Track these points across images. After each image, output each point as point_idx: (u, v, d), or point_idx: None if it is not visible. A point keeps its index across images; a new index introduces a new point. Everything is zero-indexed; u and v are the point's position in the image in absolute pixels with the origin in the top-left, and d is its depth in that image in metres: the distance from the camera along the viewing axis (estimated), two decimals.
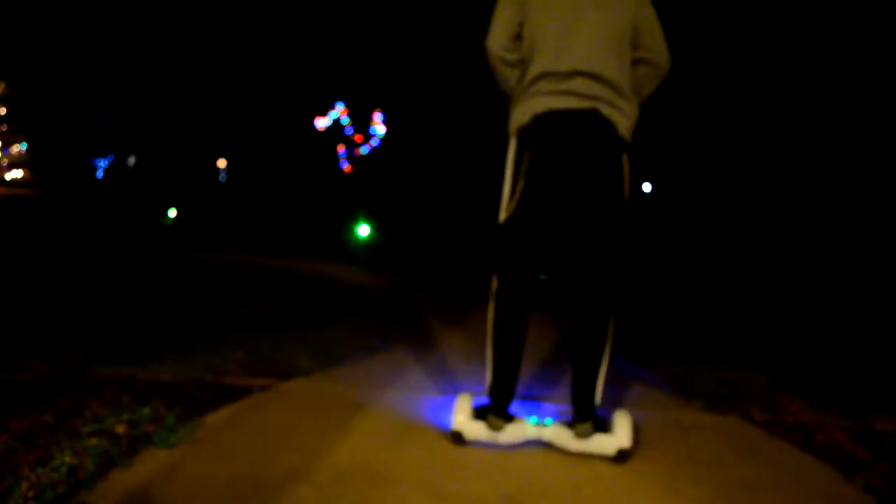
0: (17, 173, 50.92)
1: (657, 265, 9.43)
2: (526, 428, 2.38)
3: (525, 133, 2.29)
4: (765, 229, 14.53)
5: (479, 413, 2.38)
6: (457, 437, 2.36)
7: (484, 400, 2.45)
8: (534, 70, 2.27)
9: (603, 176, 2.26)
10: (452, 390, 3.06)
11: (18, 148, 49.56)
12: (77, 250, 8.63)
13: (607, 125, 2.23)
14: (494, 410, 2.37)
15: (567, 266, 2.39)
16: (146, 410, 2.43)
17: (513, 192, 2.32)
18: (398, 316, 4.86)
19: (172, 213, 17.80)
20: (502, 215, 2.35)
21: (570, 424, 2.33)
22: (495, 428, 2.33)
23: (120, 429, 2.27)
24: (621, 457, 2.25)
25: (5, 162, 51.24)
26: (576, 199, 2.27)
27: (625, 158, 2.29)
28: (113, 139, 32.18)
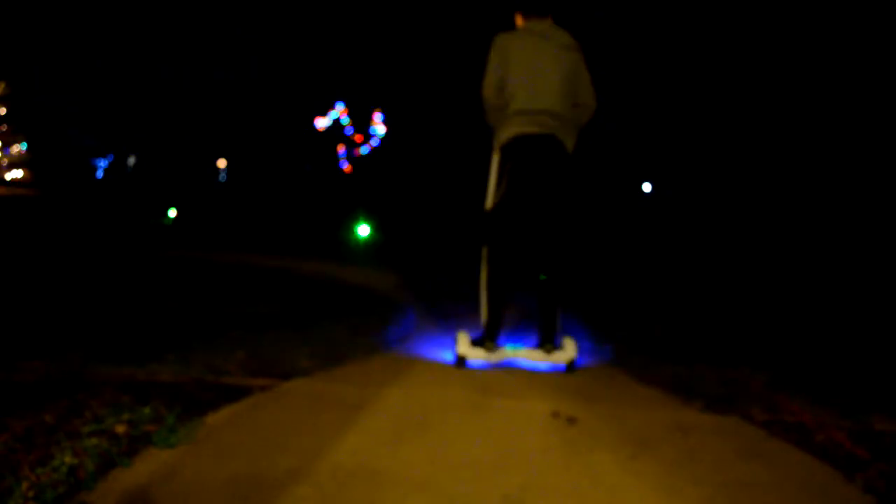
0: (17, 173, 50.92)
1: (657, 265, 9.43)
2: (509, 351, 3.56)
3: (507, 148, 3.49)
4: (765, 229, 14.53)
5: (476, 343, 3.49)
6: (460, 362, 3.44)
7: (477, 334, 3.56)
8: (513, 108, 3.44)
9: (557, 176, 3.49)
10: (451, 389, 3.06)
11: (18, 148, 49.56)
12: (77, 250, 8.63)
13: (560, 144, 3.48)
14: (488, 339, 3.49)
15: (533, 241, 3.56)
16: (146, 410, 2.43)
17: (498, 188, 3.55)
18: (398, 316, 4.86)
19: (172, 213, 17.79)
20: (489, 203, 3.62)
21: (538, 346, 3.54)
22: (490, 350, 3.47)
23: (120, 429, 2.27)
24: (571, 366, 3.46)
25: (5, 162, 51.22)
26: (540, 192, 3.48)
27: (569, 165, 3.52)
28: (113, 139, 32.17)
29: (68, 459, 2.00)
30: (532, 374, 3.42)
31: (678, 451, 2.39)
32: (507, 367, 3.51)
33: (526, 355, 3.54)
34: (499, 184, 3.53)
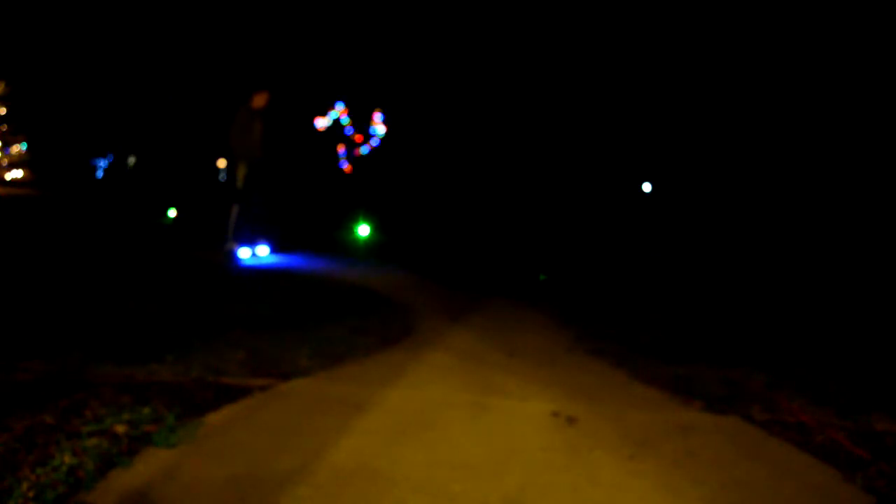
0: (17, 173, 50.89)
1: (657, 265, 9.43)
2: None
3: None
4: (765, 229, 14.53)
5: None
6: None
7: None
8: None
9: None
10: (451, 389, 3.06)
11: (18, 148, 49.52)
12: (77, 250, 8.63)
13: None
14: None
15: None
16: (146, 410, 2.42)
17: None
18: (398, 316, 4.85)
19: (172, 213, 17.79)
20: None
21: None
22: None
23: (120, 429, 2.27)
24: (270, 253, 7.45)
25: (5, 162, 51.21)
26: None
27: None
28: (113, 139, 32.13)
29: (68, 459, 2.00)
30: (532, 373, 3.42)
31: (678, 451, 2.39)
32: (503, 363, 3.52)
33: (258, 251, 7.47)
34: None
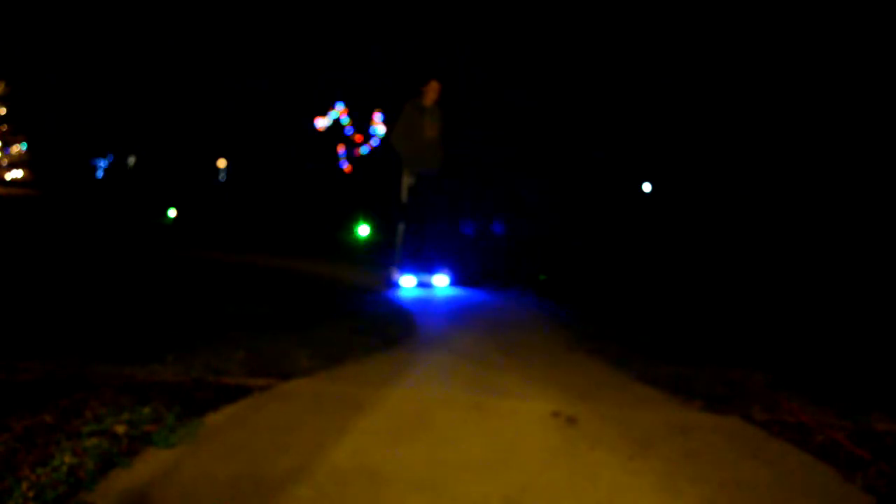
0: (17, 173, 50.89)
1: (657, 265, 9.43)
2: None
3: None
4: (765, 229, 14.53)
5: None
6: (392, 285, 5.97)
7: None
8: None
9: None
10: (451, 389, 3.06)
11: (18, 148, 49.53)
12: (77, 250, 8.63)
13: None
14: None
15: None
16: (146, 410, 2.43)
17: None
18: (398, 315, 4.85)
19: (172, 213, 17.79)
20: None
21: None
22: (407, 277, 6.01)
23: (120, 429, 2.27)
24: (450, 284, 6.19)
25: (5, 162, 51.23)
26: None
27: None
28: (113, 139, 32.11)
29: (68, 459, 2.00)
30: (532, 373, 3.42)
31: (678, 451, 2.39)
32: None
33: (427, 279, 6.20)
34: None
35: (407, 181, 6.19)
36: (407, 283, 6.14)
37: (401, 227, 6.27)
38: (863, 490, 2.14)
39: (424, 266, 6.26)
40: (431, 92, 6.14)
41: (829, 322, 5.19)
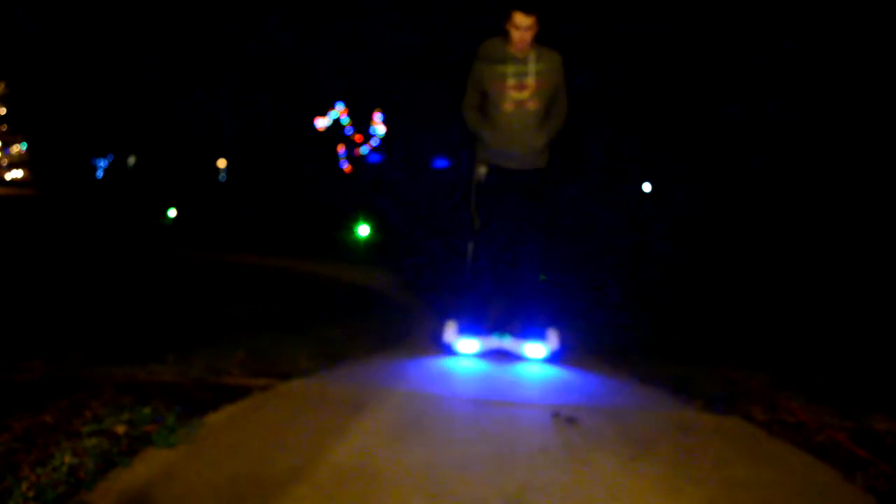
0: (17, 173, 50.94)
1: (658, 265, 9.43)
2: (494, 341, 3.74)
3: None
4: (765, 229, 14.53)
5: (463, 332, 3.72)
6: (448, 349, 3.70)
7: (466, 324, 3.74)
8: None
9: None
10: (451, 389, 3.06)
11: (18, 148, 49.57)
12: (77, 250, 8.63)
13: None
14: (475, 328, 3.73)
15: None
16: (146, 410, 2.42)
17: None
18: (398, 315, 4.85)
19: (172, 213, 17.78)
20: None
21: (521, 337, 3.72)
22: (476, 339, 3.72)
23: (120, 429, 2.27)
24: (552, 357, 3.63)
25: (5, 162, 51.29)
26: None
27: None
28: (113, 139, 32.13)
29: (68, 459, 2.00)
30: (532, 373, 3.42)
31: (678, 451, 2.39)
32: (502, 363, 3.55)
33: (510, 345, 3.74)
34: None
35: (479, 175, 3.84)
36: (466, 347, 3.74)
37: (470, 248, 3.90)
38: (863, 490, 2.14)
39: (507, 320, 3.97)
40: (521, 30, 3.55)
41: (830, 322, 5.19)
